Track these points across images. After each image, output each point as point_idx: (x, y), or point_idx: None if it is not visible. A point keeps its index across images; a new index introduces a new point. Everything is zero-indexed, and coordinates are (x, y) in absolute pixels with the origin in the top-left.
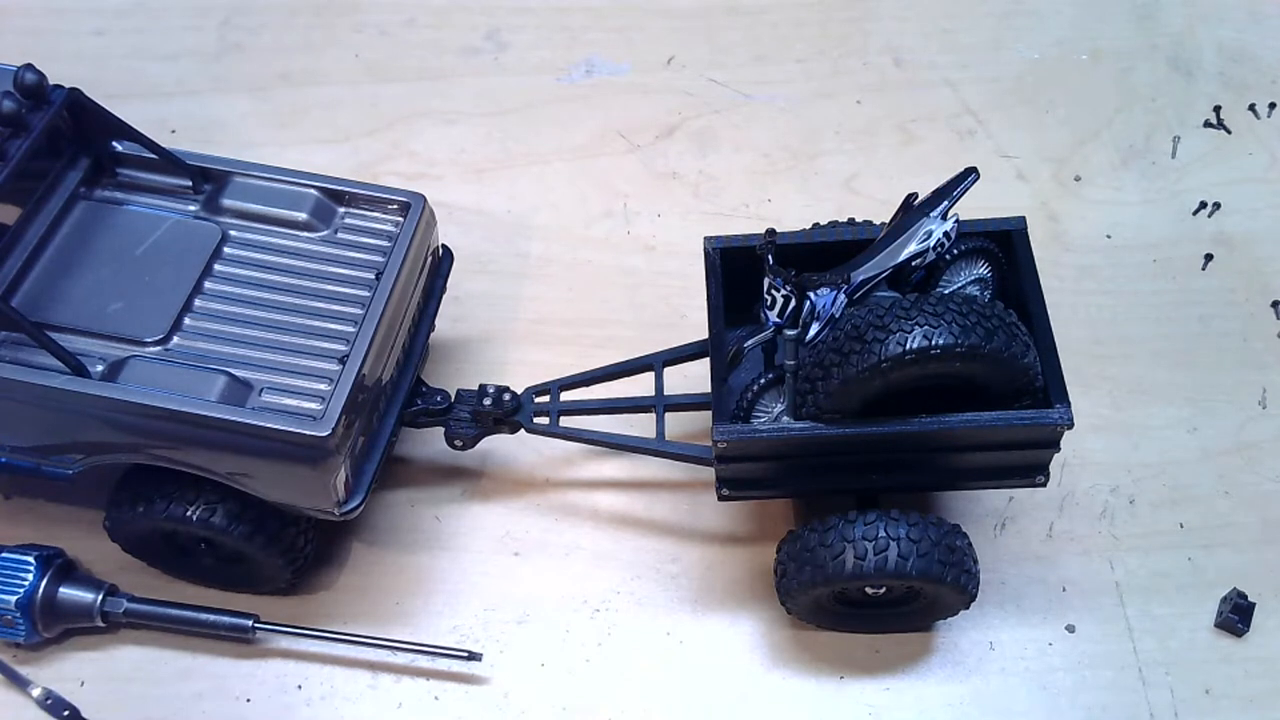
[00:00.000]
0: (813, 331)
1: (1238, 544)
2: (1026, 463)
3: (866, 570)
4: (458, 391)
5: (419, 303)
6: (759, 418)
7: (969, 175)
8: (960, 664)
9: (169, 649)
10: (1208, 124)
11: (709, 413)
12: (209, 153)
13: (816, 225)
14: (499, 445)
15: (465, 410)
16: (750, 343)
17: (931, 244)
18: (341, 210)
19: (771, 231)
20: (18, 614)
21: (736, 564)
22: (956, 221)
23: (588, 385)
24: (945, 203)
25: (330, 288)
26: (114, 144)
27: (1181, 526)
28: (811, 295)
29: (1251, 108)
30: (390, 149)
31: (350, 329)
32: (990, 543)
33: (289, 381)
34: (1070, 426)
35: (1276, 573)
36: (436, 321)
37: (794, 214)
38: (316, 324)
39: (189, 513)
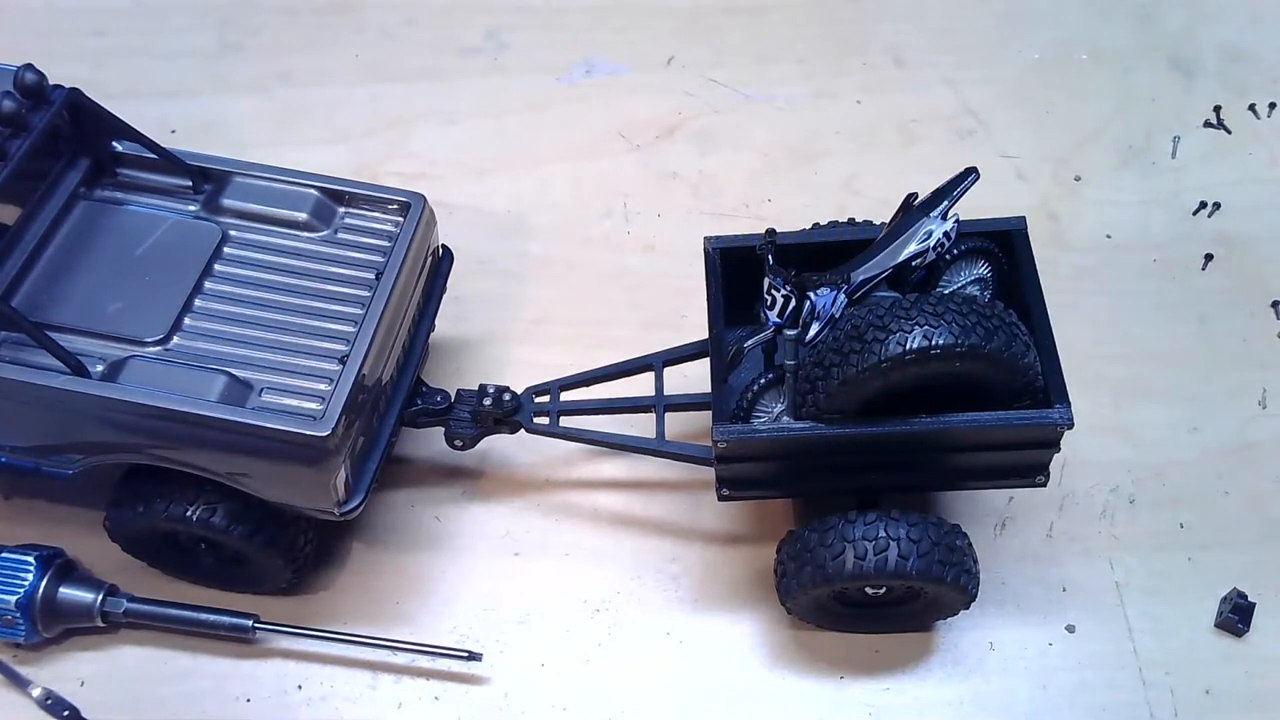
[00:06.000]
0: (813, 331)
1: (1238, 544)
2: (1026, 463)
3: (866, 570)
4: (458, 391)
5: (419, 303)
6: (759, 418)
7: (969, 175)
8: (960, 664)
9: (169, 649)
10: (1208, 124)
11: (709, 413)
12: (209, 153)
13: (816, 225)
14: (499, 445)
15: (465, 410)
16: (750, 343)
17: (931, 244)
18: (341, 210)
19: (771, 231)
20: (18, 614)
21: (736, 564)
22: (956, 221)
23: (588, 385)
24: (945, 203)
25: (330, 288)
26: (114, 144)
27: (1181, 526)
28: (811, 295)
29: (1251, 108)
30: (390, 149)
31: (350, 329)
32: (990, 543)
33: (289, 381)
34: (1070, 426)
35: (1276, 573)
36: (436, 321)
37: (794, 214)
38: (316, 324)
39: (189, 513)
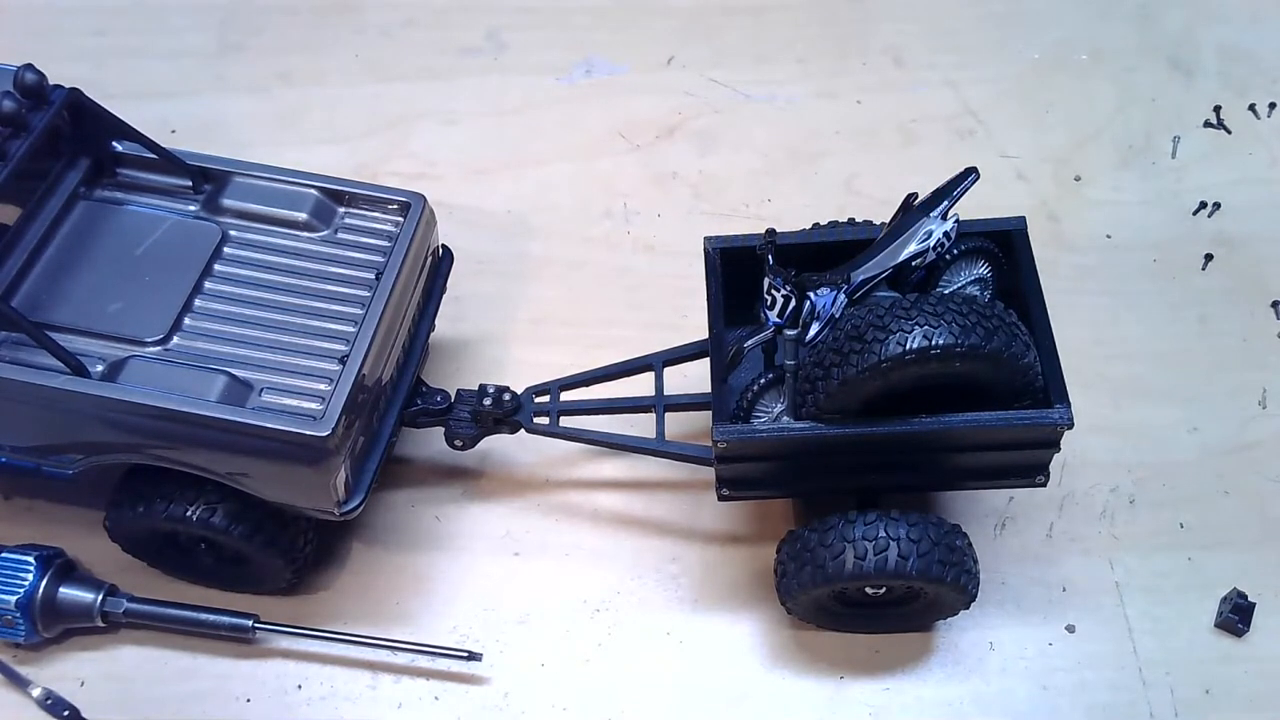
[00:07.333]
0: (813, 331)
1: (1238, 544)
2: (1026, 463)
3: (866, 570)
4: (458, 391)
5: (419, 303)
6: (759, 418)
7: (969, 175)
8: (960, 664)
9: (169, 649)
10: (1208, 124)
11: (709, 413)
12: (209, 153)
13: (816, 225)
14: (499, 445)
15: (465, 410)
16: (750, 343)
17: (931, 244)
18: (341, 210)
19: (771, 231)
20: (18, 614)
21: (736, 564)
22: (956, 221)
23: (588, 385)
24: (945, 203)
25: (330, 288)
26: (114, 144)
27: (1181, 526)
28: (811, 295)
29: (1251, 108)
30: (390, 149)
31: (350, 329)
32: (990, 543)
33: (289, 381)
34: (1070, 426)
35: (1276, 573)
36: (436, 321)
37: (794, 214)
38: (316, 324)
39: (189, 513)
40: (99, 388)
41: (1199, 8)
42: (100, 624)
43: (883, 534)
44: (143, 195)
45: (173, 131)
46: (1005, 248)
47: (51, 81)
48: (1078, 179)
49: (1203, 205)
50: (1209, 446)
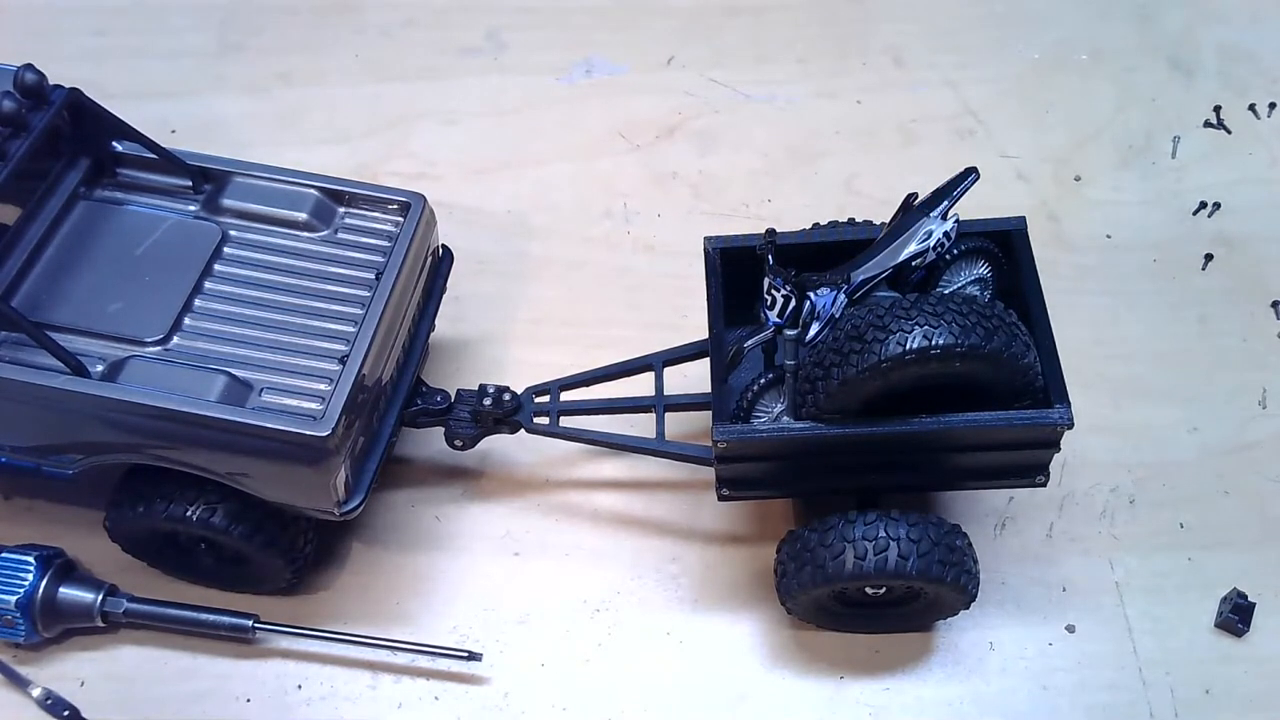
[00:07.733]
0: (813, 331)
1: (1238, 544)
2: (1026, 463)
3: (866, 570)
4: (458, 391)
5: (419, 303)
6: (759, 418)
7: (969, 175)
8: (960, 664)
9: (169, 649)
10: (1208, 124)
11: (709, 413)
12: (209, 153)
13: (816, 225)
14: (499, 445)
15: (465, 410)
16: (750, 343)
17: (931, 244)
18: (341, 210)
19: (771, 231)
20: (18, 614)
21: (736, 564)
22: (956, 221)
23: (588, 385)
24: (945, 203)
25: (330, 288)
26: (114, 144)
27: (1181, 526)
28: (811, 295)
29: (1251, 108)
30: (390, 149)
31: (350, 329)
32: (990, 543)
33: (289, 381)
34: (1070, 426)
35: (1276, 573)
36: (436, 321)
37: (794, 214)
38: (316, 324)
39: (189, 513)
40: (99, 388)
41: (1199, 8)
42: (100, 624)
43: (883, 534)
44: (143, 195)
45: (173, 131)
46: (1005, 248)
47: (51, 81)
48: (1078, 179)
49: (1203, 205)
50: (1209, 446)
